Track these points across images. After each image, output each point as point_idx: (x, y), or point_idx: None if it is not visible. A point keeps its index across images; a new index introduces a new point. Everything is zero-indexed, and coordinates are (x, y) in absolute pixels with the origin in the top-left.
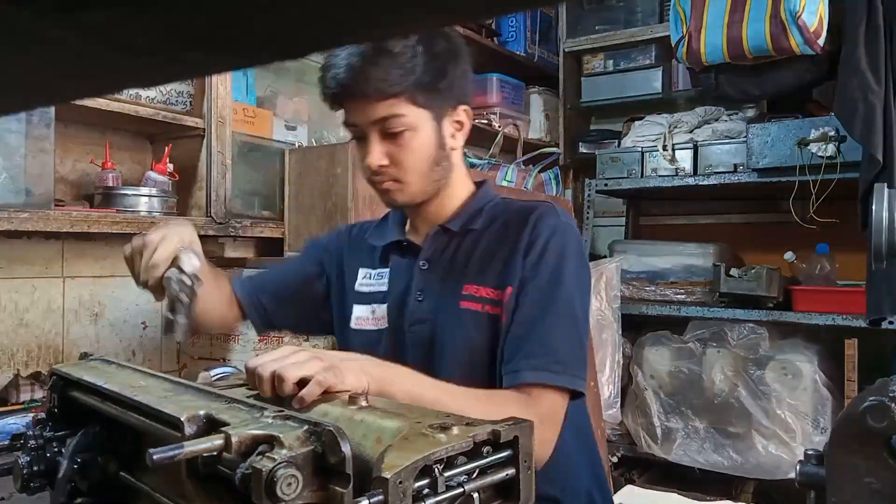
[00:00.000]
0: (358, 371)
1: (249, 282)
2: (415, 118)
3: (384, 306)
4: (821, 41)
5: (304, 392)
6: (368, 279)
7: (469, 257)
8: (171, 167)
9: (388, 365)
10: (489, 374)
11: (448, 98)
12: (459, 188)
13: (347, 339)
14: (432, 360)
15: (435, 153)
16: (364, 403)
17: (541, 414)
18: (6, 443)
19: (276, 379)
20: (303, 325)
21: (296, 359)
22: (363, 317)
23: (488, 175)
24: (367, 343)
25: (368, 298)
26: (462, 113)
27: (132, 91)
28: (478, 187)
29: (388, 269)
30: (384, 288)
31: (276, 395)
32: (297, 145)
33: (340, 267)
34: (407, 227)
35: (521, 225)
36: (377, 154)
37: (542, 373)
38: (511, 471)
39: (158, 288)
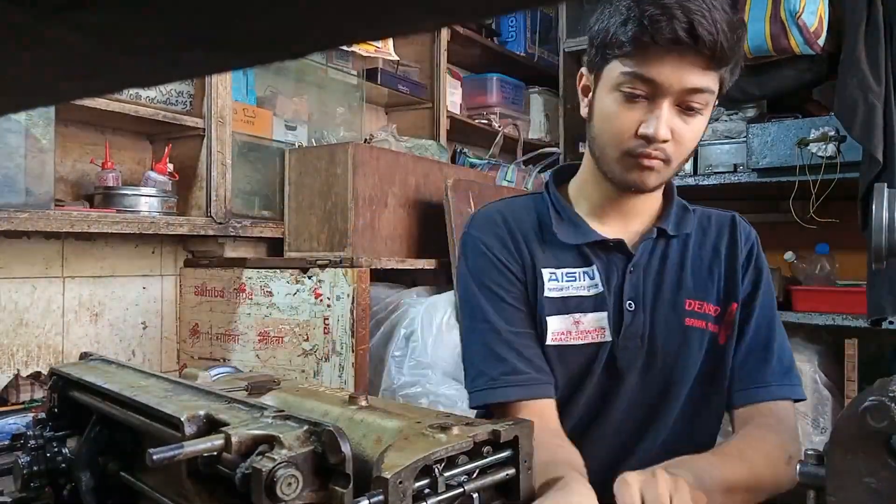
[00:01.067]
0: None
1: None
2: (713, 99)
3: (601, 315)
4: (821, 41)
5: None
6: (557, 281)
7: (683, 266)
8: (171, 167)
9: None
10: (707, 394)
11: (727, 87)
12: None
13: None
14: (649, 383)
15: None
16: (364, 403)
17: (794, 432)
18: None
19: None
20: None
21: None
22: (563, 329)
23: (488, 175)
24: (577, 361)
25: (565, 306)
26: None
27: (132, 91)
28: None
29: (592, 269)
30: (590, 292)
31: None
32: (297, 145)
33: (522, 268)
34: (580, 216)
35: (731, 235)
36: (666, 126)
37: (787, 388)
38: (511, 471)
39: None
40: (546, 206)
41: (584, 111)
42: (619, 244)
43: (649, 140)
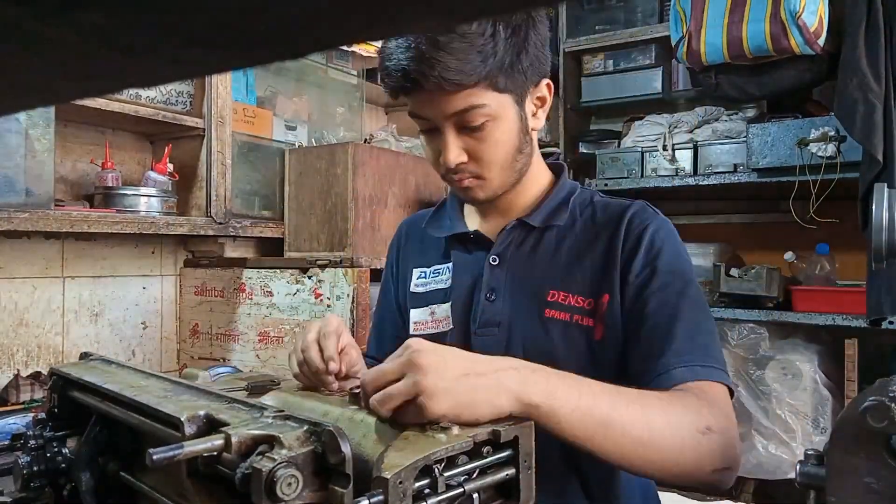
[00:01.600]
0: (476, 395)
1: (376, 343)
2: (497, 106)
3: (446, 306)
4: (821, 41)
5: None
6: (424, 278)
7: (552, 258)
8: (171, 167)
9: (542, 371)
10: None
11: (531, 75)
12: (536, 173)
13: None
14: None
15: (518, 141)
16: (364, 403)
17: (724, 412)
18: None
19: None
20: None
21: (389, 378)
22: (421, 320)
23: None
24: None
25: (425, 299)
26: (544, 87)
27: (132, 91)
28: (554, 172)
29: (449, 265)
30: (445, 285)
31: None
32: (296, 145)
33: (398, 270)
34: (466, 214)
35: (616, 225)
36: (454, 151)
37: (710, 369)
38: (511, 471)
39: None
40: (451, 203)
41: None
42: (478, 236)
43: (448, 168)
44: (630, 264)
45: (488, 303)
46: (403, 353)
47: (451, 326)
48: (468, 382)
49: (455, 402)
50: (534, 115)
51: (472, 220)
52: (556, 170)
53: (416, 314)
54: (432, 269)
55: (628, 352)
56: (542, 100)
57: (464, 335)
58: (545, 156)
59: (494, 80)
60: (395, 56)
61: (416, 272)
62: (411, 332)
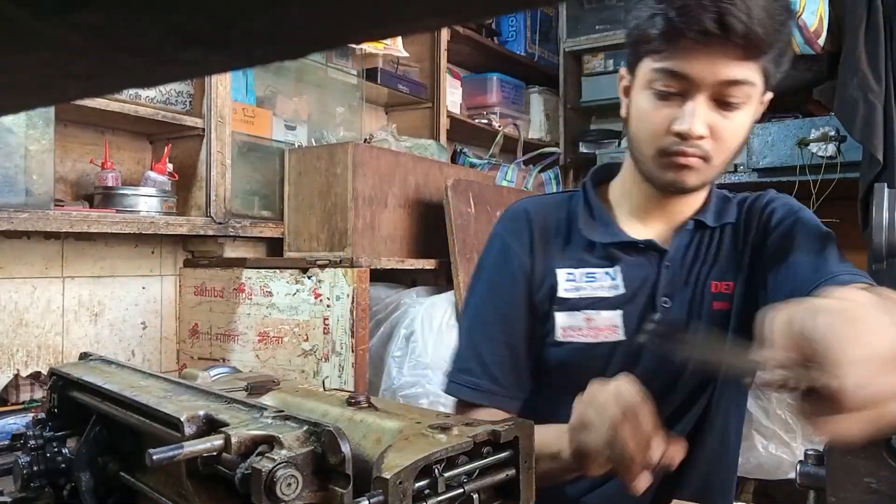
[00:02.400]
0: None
1: (508, 368)
2: (756, 91)
3: (610, 314)
4: (821, 41)
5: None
6: (574, 281)
7: (718, 252)
8: (170, 167)
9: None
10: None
11: (776, 77)
12: None
13: (545, 354)
14: (677, 375)
15: (748, 136)
16: (364, 403)
17: None
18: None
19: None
20: None
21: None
22: (573, 326)
23: (488, 175)
24: (582, 358)
25: (580, 304)
26: (768, 97)
27: (132, 91)
28: None
29: (616, 268)
30: (611, 293)
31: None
32: (296, 145)
33: (532, 266)
34: (619, 216)
35: (750, 212)
36: (701, 121)
37: (858, 276)
38: (511, 471)
39: None
40: (579, 204)
41: (623, 112)
42: (649, 244)
43: (683, 137)
44: (765, 244)
45: (664, 309)
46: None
47: (622, 337)
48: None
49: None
50: (757, 120)
51: (628, 224)
52: None
53: (563, 318)
54: (584, 271)
55: (780, 274)
56: (762, 108)
57: (637, 346)
58: (543, 156)
59: (768, 63)
60: None
61: (561, 273)
62: (559, 337)
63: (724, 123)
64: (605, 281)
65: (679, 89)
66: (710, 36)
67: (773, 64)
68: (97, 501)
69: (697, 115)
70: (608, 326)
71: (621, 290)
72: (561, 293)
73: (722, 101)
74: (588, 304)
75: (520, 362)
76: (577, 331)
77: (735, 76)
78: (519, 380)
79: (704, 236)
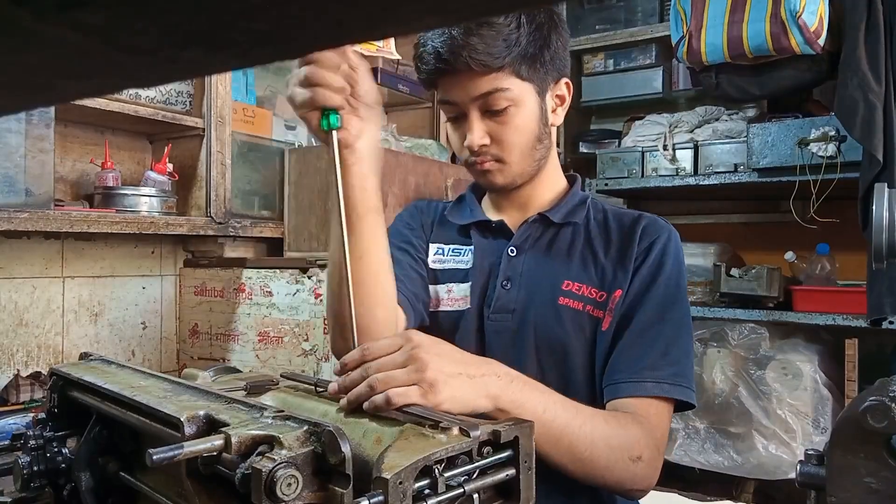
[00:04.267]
0: (465, 392)
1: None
2: (519, 92)
3: (465, 286)
4: (821, 41)
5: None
6: (441, 255)
7: (568, 252)
8: (170, 167)
9: (519, 381)
10: (584, 375)
11: (551, 70)
12: (554, 174)
13: (429, 322)
14: (516, 353)
15: (538, 129)
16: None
17: (657, 439)
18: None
19: (366, 385)
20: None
21: (392, 363)
22: (437, 297)
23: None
24: (448, 325)
25: (443, 277)
26: (563, 86)
27: (132, 91)
28: (569, 181)
29: (470, 247)
30: (466, 266)
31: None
32: (296, 145)
33: (421, 239)
34: (484, 207)
35: (630, 230)
36: (479, 133)
37: (665, 385)
38: (511, 471)
39: None
40: (470, 196)
41: None
42: (500, 226)
43: (472, 150)
44: (639, 269)
45: (503, 290)
46: (405, 345)
47: (468, 306)
48: (460, 380)
49: (450, 395)
50: (553, 110)
51: (491, 214)
52: (570, 180)
53: (433, 290)
54: (451, 247)
55: (612, 349)
56: (561, 98)
57: (478, 318)
58: None
59: (518, 67)
60: (429, 42)
61: (433, 247)
62: (432, 307)
63: (501, 128)
64: (466, 256)
65: (457, 112)
66: (446, 67)
67: (525, 63)
68: (97, 501)
69: (473, 130)
70: (461, 297)
71: (469, 265)
72: (431, 264)
73: (490, 111)
74: (448, 276)
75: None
76: (442, 301)
77: (483, 90)
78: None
79: (552, 232)
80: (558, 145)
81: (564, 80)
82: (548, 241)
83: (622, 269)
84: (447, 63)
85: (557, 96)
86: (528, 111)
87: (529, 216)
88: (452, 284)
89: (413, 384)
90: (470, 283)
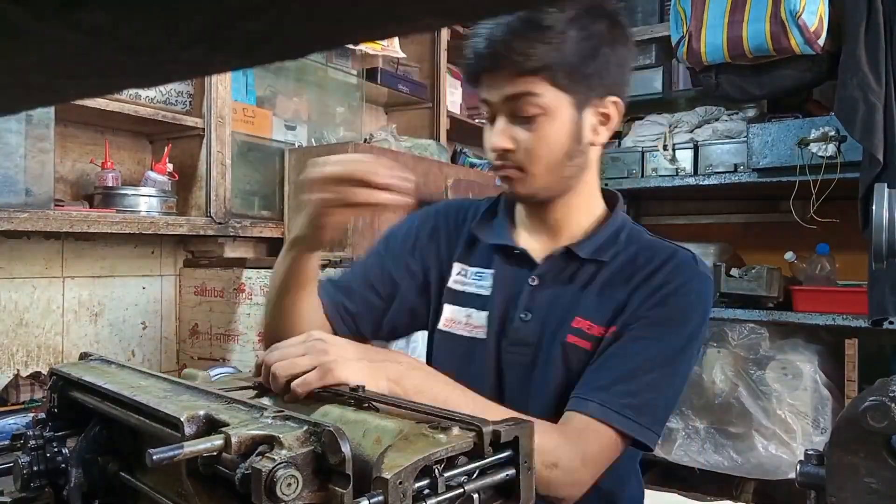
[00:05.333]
0: (364, 375)
1: (332, 285)
2: (552, 101)
3: (483, 314)
4: (821, 41)
5: (290, 394)
6: (464, 277)
7: (586, 287)
8: (170, 167)
9: (423, 371)
10: None
11: (596, 85)
12: (593, 199)
13: (434, 340)
14: (529, 389)
15: (569, 145)
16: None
17: (583, 452)
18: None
19: (270, 376)
20: (391, 331)
21: (294, 353)
22: (455, 319)
23: (488, 175)
24: (457, 350)
25: (463, 300)
26: (611, 105)
27: (132, 91)
28: (608, 204)
29: (491, 272)
30: (486, 292)
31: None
32: (296, 145)
33: (433, 256)
34: (517, 226)
35: (654, 267)
36: (501, 136)
37: (609, 411)
38: (511, 471)
39: None
40: (487, 206)
41: None
42: (523, 255)
43: (497, 152)
44: (644, 303)
45: (522, 322)
46: (307, 339)
47: (485, 336)
48: (361, 364)
49: (349, 377)
50: (594, 129)
51: (521, 235)
52: (611, 200)
53: (450, 311)
54: (474, 270)
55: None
56: (606, 116)
57: (496, 348)
58: None
59: (554, 74)
60: (474, 40)
61: (456, 266)
62: (442, 327)
63: (527, 135)
64: (486, 281)
65: (490, 113)
66: (483, 64)
67: (564, 72)
68: (97, 501)
69: (497, 131)
70: (479, 325)
71: (488, 292)
72: (451, 284)
73: (518, 116)
74: (467, 300)
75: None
76: (457, 324)
77: (513, 91)
78: (357, 306)
79: (576, 266)
80: None
81: (612, 98)
82: (570, 275)
83: (628, 304)
84: (484, 60)
85: (602, 114)
86: (560, 123)
87: (557, 247)
88: (472, 310)
89: (314, 368)
90: (487, 312)
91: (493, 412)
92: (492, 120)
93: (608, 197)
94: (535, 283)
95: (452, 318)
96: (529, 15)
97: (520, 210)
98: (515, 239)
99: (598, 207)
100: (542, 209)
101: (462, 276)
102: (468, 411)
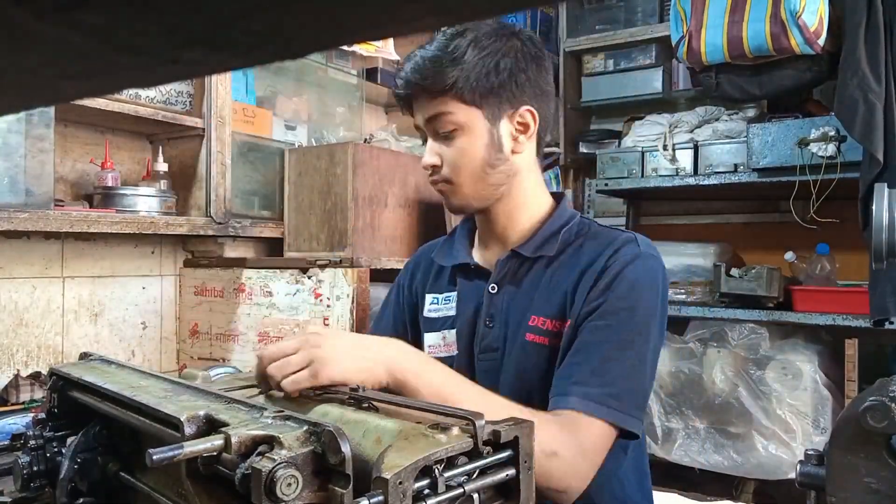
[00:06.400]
0: (358, 363)
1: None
2: (464, 117)
3: (453, 332)
4: (821, 41)
5: (284, 391)
6: (436, 304)
7: (537, 285)
8: (165, 166)
9: (420, 356)
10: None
11: (506, 97)
12: (533, 202)
13: None
14: (499, 392)
15: (489, 155)
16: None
17: (581, 443)
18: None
19: (266, 375)
20: None
21: (288, 349)
22: (435, 344)
23: None
24: None
25: (438, 324)
26: (527, 114)
27: (132, 91)
28: (556, 201)
29: (455, 293)
30: (453, 312)
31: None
32: (296, 145)
33: (414, 294)
34: (476, 244)
35: (598, 254)
36: (429, 153)
37: (591, 403)
38: (511, 471)
39: None
40: (461, 231)
41: None
42: (477, 267)
43: (427, 169)
44: (590, 292)
45: (487, 329)
46: (300, 336)
47: (457, 351)
48: (355, 352)
49: (343, 368)
50: (513, 137)
51: (478, 251)
52: (558, 199)
53: (430, 338)
54: (444, 295)
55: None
56: (523, 125)
57: (468, 360)
58: (544, 156)
59: (461, 91)
60: (400, 71)
61: (429, 297)
62: (426, 353)
63: (449, 151)
64: (450, 303)
65: (422, 135)
66: (407, 90)
67: (468, 88)
68: (97, 501)
69: (427, 150)
70: (452, 343)
71: (453, 311)
72: (425, 313)
73: (440, 134)
74: (440, 324)
75: None
76: (438, 347)
77: (430, 112)
78: None
79: (527, 267)
80: (557, 145)
81: (526, 108)
82: (522, 276)
83: (577, 295)
84: (406, 86)
85: (519, 123)
86: (476, 136)
87: (505, 252)
88: (445, 331)
89: (307, 365)
90: (456, 328)
91: (492, 399)
92: (424, 141)
93: (556, 197)
94: (494, 290)
95: (432, 343)
96: (440, 44)
97: (477, 229)
98: (472, 255)
99: (540, 209)
100: (489, 221)
101: (435, 304)
102: (467, 395)
